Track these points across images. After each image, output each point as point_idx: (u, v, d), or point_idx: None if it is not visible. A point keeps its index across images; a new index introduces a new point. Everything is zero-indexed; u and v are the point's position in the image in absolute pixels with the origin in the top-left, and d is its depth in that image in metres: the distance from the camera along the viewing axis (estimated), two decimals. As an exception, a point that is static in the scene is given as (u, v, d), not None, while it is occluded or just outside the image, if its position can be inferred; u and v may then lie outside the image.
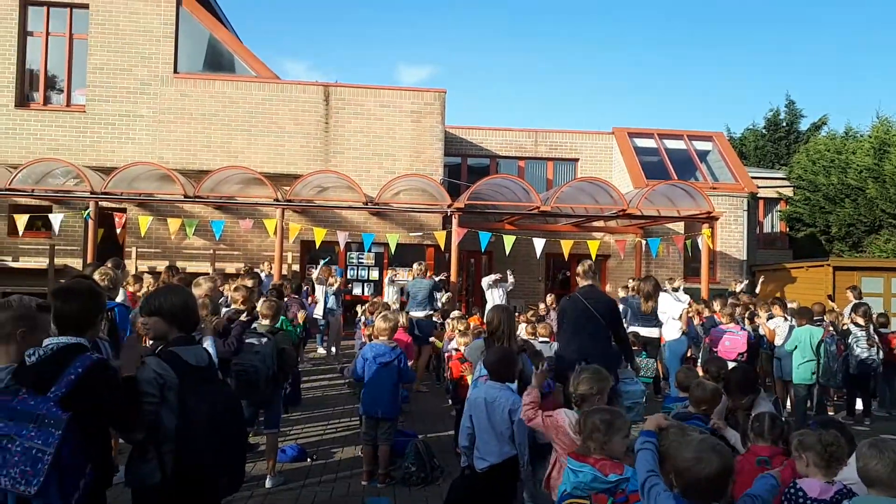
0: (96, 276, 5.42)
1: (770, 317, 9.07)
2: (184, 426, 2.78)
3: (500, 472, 4.01)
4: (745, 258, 16.97)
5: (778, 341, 8.73)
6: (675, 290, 9.99)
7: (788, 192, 20.96)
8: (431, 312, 10.41)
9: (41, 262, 13.21)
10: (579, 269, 6.30)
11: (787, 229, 21.19)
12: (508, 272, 12.33)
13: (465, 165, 18.46)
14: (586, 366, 3.96)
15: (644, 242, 14.99)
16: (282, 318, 6.62)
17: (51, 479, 2.40)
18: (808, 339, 7.96)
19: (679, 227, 16.21)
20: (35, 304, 2.86)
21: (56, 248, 13.13)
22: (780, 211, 21.31)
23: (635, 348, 8.75)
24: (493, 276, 11.97)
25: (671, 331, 8.96)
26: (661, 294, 9.01)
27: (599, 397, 3.64)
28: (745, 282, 14.16)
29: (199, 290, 5.82)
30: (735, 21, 74.28)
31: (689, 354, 9.26)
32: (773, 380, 9.15)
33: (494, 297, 11.97)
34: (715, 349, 8.53)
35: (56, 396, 2.49)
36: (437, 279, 10.99)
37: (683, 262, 16.69)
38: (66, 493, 2.47)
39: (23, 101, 13.95)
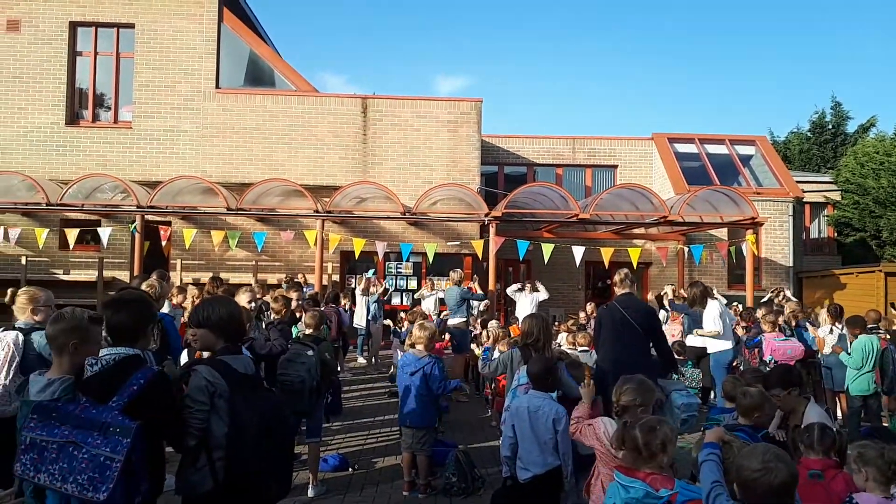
0: (143, 288, 5.57)
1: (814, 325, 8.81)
2: (233, 433, 2.82)
3: (543, 482, 3.96)
4: (791, 264, 16.54)
5: (826, 350, 8.46)
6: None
7: (836, 196, 20.38)
8: (465, 320, 10.39)
9: (91, 275, 13.61)
10: (616, 277, 6.26)
11: (835, 234, 20.60)
12: (537, 282, 12.22)
13: (501, 174, 18.43)
14: (630, 376, 3.86)
15: (686, 249, 14.74)
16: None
17: (118, 485, 2.46)
18: (867, 349, 7.67)
19: (722, 233, 15.89)
20: (87, 316, 2.93)
21: (104, 260, 13.50)
22: (827, 216, 20.72)
23: (681, 358, 8.60)
24: (516, 286, 11.88)
25: (717, 340, 8.71)
26: (710, 302, 8.76)
27: (643, 409, 3.53)
28: (776, 291, 13.68)
29: (241, 300, 5.92)
30: (777, 22, 72.86)
31: (735, 364, 9.02)
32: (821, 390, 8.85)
33: (524, 306, 11.91)
34: (764, 358, 8.32)
35: (118, 406, 2.56)
36: (466, 286, 10.97)
37: (727, 269, 16.34)
38: (130, 499, 2.54)
39: (73, 119, 14.43)
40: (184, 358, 5.57)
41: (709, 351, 8.74)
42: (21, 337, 4.20)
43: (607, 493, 3.10)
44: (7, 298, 4.44)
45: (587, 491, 3.58)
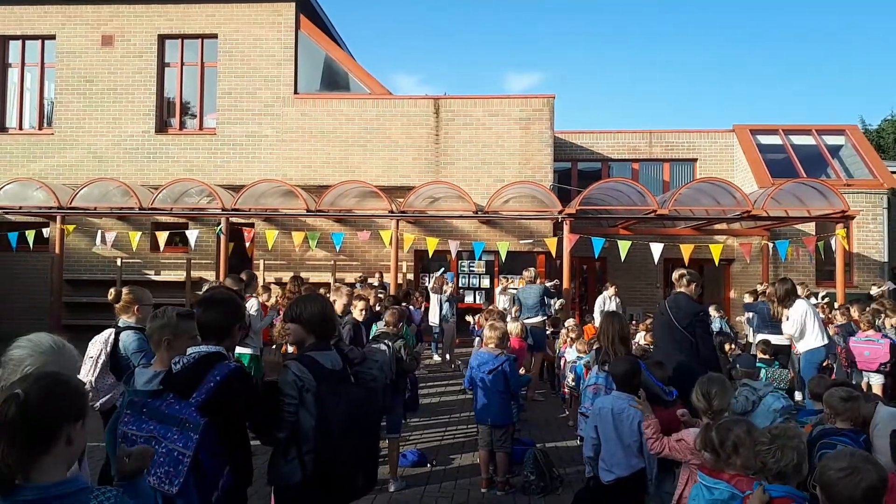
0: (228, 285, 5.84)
1: None
2: (321, 427, 2.93)
3: (627, 484, 3.92)
4: (885, 259, 15.61)
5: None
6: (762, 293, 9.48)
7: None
8: (544, 318, 10.33)
9: (180, 275, 14.32)
10: (673, 276, 6.19)
11: (937, 227, 19.29)
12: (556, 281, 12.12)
13: (575, 170, 18.20)
14: (713, 377, 3.76)
15: (771, 245, 14.16)
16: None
17: (189, 479, 2.57)
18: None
19: (810, 227, 15.17)
20: (176, 314, 3.14)
21: (192, 261, 14.18)
22: (926, 207, 19.44)
23: (766, 357, 8.27)
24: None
25: (809, 339, 8.30)
26: (798, 302, 8.36)
27: (725, 410, 3.51)
28: (887, 286, 13.01)
29: (340, 299, 6.13)
30: (863, 6, 68.77)
31: (825, 364, 8.62)
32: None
33: (607, 304, 11.76)
34: (851, 360, 7.94)
35: (197, 402, 2.69)
36: (547, 284, 10.90)
37: (815, 266, 15.59)
38: (205, 493, 2.64)
39: (162, 127, 15.21)
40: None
41: (800, 350, 8.37)
42: (112, 336, 4.41)
43: (691, 495, 3.06)
44: (112, 297, 4.65)
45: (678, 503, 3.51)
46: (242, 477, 2.87)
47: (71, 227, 13.74)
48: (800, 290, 9.50)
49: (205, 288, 6.07)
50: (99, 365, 4.40)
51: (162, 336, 3.09)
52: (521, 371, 7.29)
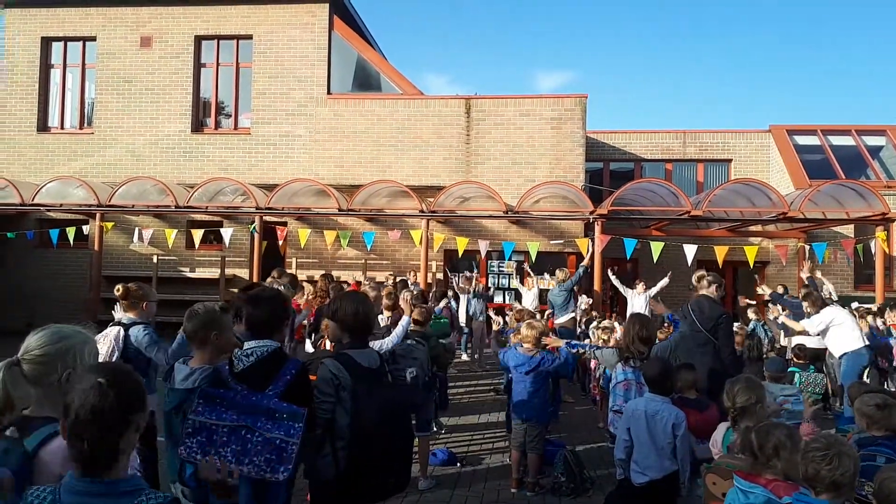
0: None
1: None
2: (355, 424, 2.97)
3: (659, 487, 3.89)
4: (928, 263, 15.20)
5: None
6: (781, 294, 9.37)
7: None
8: (572, 317, 10.30)
9: (214, 273, 14.57)
10: (693, 278, 6.22)
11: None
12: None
13: (607, 170, 18.05)
14: (735, 377, 3.77)
15: (808, 248, 13.88)
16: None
17: (296, 465, 2.66)
18: None
19: (848, 230, 14.84)
20: (217, 307, 3.16)
21: (226, 259, 14.41)
22: (971, 210, 18.86)
23: (801, 362, 8.14)
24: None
25: (849, 342, 8.14)
26: (828, 307, 8.28)
27: (760, 405, 3.47)
28: None
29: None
30: (911, 0, 66.84)
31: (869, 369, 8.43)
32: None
33: (637, 305, 11.66)
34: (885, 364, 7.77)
35: (276, 393, 2.75)
36: (584, 264, 10.97)
37: (854, 269, 15.24)
38: (291, 478, 2.75)
39: (198, 126, 15.48)
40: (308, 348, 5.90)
41: (836, 354, 8.22)
42: (122, 333, 4.40)
43: (726, 499, 3.01)
44: (119, 293, 4.61)
45: None
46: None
47: (110, 225, 14.05)
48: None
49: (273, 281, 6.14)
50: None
51: (210, 332, 3.03)
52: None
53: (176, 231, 13.93)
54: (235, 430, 2.60)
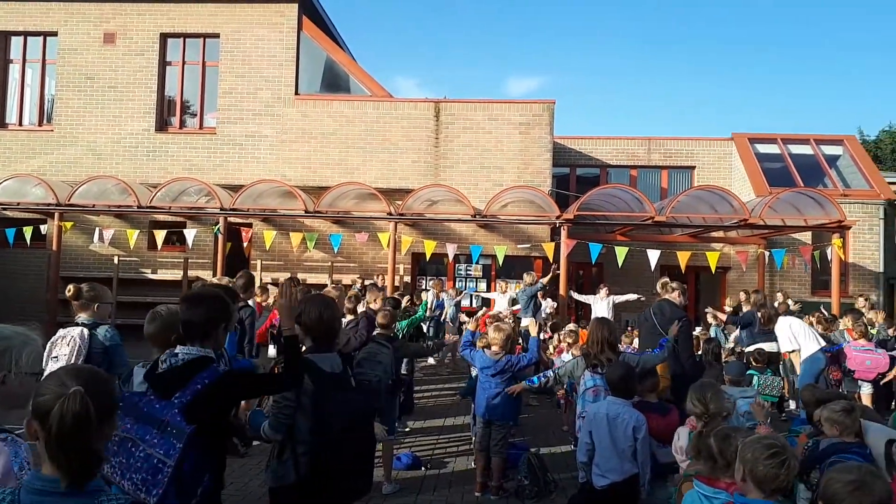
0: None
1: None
2: (318, 430, 2.94)
3: (620, 489, 3.94)
4: (881, 270, 15.67)
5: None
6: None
7: (933, 197, 19.17)
8: (532, 320, 10.41)
9: (176, 275, 14.31)
10: (658, 285, 6.37)
11: (932, 239, 19.36)
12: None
13: (573, 175, 18.24)
14: (705, 382, 3.81)
15: (767, 254, 14.21)
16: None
17: (170, 489, 2.40)
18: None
19: (806, 237, 15.23)
20: (179, 311, 3.13)
21: (189, 260, 14.17)
22: (922, 218, 19.52)
23: (759, 365, 8.34)
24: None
25: (807, 348, 8.40)
26: (781, 319, 8.60)
27: (726, 414, 3.54)
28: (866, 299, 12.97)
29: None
30: (864, 15, 69.04)
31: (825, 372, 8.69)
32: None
33: (601, 310, 11.81)
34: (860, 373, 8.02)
35: (180, 403, 2.54)
36: (544, 281, 11.00)
37: (811, 275, 15.64)
38: (184, 500, 2.49)
39: (162, 125, 15.22)
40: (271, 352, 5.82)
41: (785, 357, 8.51)
42: (86, 332, 4.25)
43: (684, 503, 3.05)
44: (70, 294, 4.46)
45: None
46: (219, 481, 2.79)
47: (69, 224, 13.74)
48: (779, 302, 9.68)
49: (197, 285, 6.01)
50: (80, 363, 4.15)
51: (170, 336, 2.99)
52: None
53: (138, 232, 13.67)
54: (124, 441, 2.45)
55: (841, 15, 71.33)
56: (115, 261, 13.96)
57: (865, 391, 8.27)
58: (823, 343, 8.38)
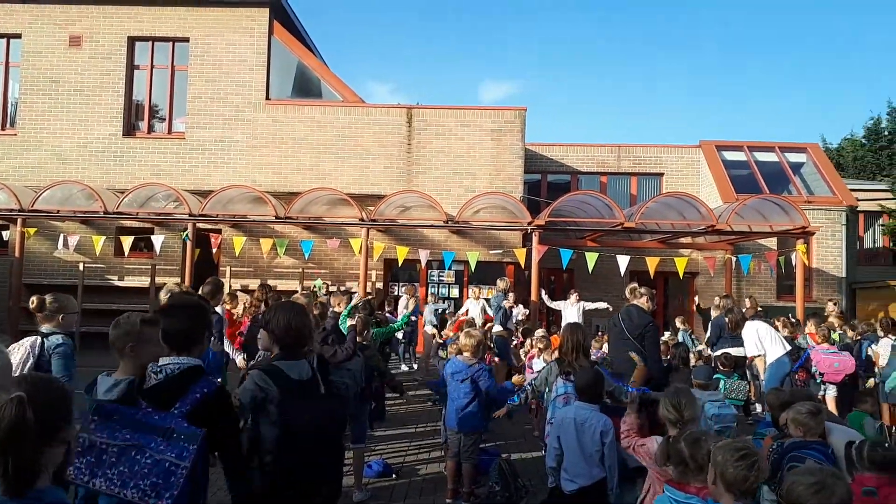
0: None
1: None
2: (284, 438, 2.91)
3: (589, 494, 3.97)
4: (843, 275, 16.05)
5: (882, 362, 8.24)
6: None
7: (891, 204, 19.71)
8: (501, 329, 10.46)
9: (144, 281, 14.08)
10: (626, 290, 6.50)
11: (891, 244, 19.90)
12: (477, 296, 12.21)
13: (545, 182, 18.38)
14: (680, 388, 3.82)
15: (734, 259, 14.46)
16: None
17: (182, 493, 2.40)
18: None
19: (772, 242, 15.54)
20: (139, 320, 3.09)
21: (157, 267, 13.95)
22: (882, 225, 20.04)
23: (726, 370, 8.47)
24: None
25: (773, 352, 8.57)
26: (748, 324, 8.77)
27: (695, 421, 3.57)
28: (835, 304, 13.29)
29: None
30: (829, 26, 70.87)
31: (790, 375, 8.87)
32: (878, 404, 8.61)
33: (571, 316, 11.91)
34: (820, 370, 8.20)
35: (181, 413, 2.57)
36: (508, 306, 11.00)
37: (776, 280, 15.96)
38: (196, 500, 2.54)
39: (130, 130, 14.98)
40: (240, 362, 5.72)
41: (751, 360, 8.67)
42: (39, 340, 4.22)
43: (656, 509, 3.08)
44: (34, 305, 4.41)
45: None
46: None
47: (32, 231, 13.44)
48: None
49: (163, 293, 5.89)
50: (27, 370, 4.14)
51: (125, 343, 3.03)
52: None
53: (104, 238, 13.43)
54: (125, 451, 2.43)
55: (804, 26, 73.10)
56: (81, 267, 13.67)
57: (830, 394, 8.46)
58: (788, 347, 8.56)
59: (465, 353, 5.76)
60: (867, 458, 3.30)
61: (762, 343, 8.51)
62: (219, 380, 2.91)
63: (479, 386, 5.61)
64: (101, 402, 2.68)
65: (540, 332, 9.26)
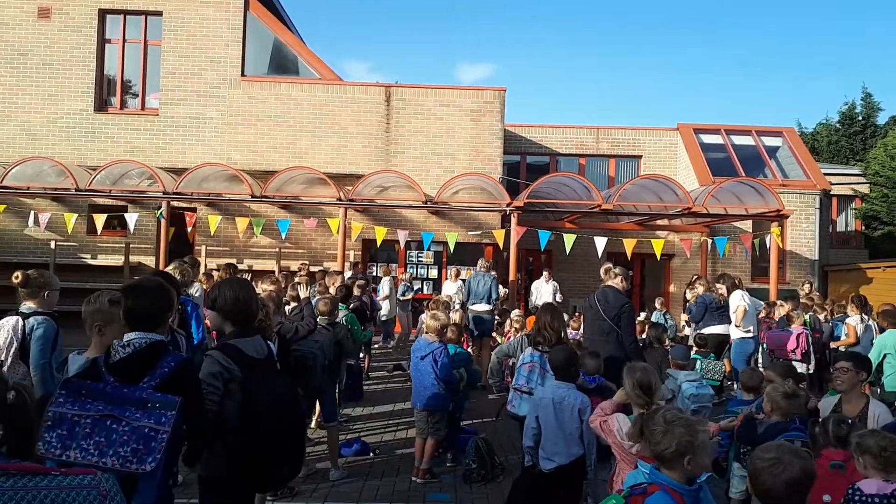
0: (170, 270, 5.68)
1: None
2: (247, 417, 2.87)
3: (567, 471, 3.99)
4: (816, 258, 16.31)
5: (854, 337, 8.42)
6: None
7: (864, 188, 20.04)
8: (492, 307, 10.46)
9: (117, 260, 13.85)
10: (601, 270, 6.50)
11: (863, 228, 20.26)
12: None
13: (524, 163, 18.36)
14: (642, 366, 3.77)
15: (710, 241, 14.62)
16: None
17: (162, 459, 2.42)
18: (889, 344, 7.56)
19: (747, 225, 15.72)
20: (108, 299, 3.09)
21: (131, 245, 13.72)
22: (855, 209, 20.39)
23: (703, 350, 8.58)
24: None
25: (737, 330, 8.73)
26: (734, 293, 8.88)
27: (671, 397, 3.61)
28: (811, 285, 13.51)
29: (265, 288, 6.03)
30: (805, 11, 71.41)
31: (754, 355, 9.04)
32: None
33: (546, 295, 11.98)
34: (776, 350, 8.36)
35: (150, 386, 2.55)
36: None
37: (751, 262, 16.17)
38: (169, 469, 2.59)
39: (101, 105, 14.63)
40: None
41: (732, 339, 8.81)
42: (21, 322, 4.14)
43: (625, 483, 3.10)
44: (18, 281, 4.30)
45: (610, 487, 3.58)
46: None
47: (1, 207, 13.13)
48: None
49: (171, 267, 5.88)
50: (10, 354, 4.07)
51: (94, 321, 3.07)
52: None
53: (76, 216, 13.14)
54: (100, 421, 2.42)
55: (782, 11, 73.57)
56: (52, 245, 13.41)
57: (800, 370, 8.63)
58: (756, 332, 8.73)
59: (430, 334, 5.74)
60: (832, 435, 3.43)
61: (746, 316, 8.67)
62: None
63: (438, 367, 5.58)
64: (69, 379, 2.63)
65: (516, 312, 9.31)
